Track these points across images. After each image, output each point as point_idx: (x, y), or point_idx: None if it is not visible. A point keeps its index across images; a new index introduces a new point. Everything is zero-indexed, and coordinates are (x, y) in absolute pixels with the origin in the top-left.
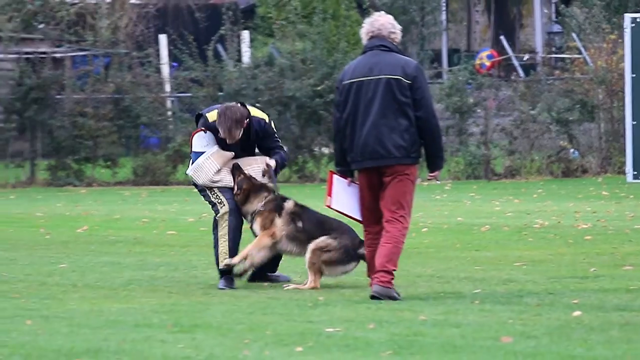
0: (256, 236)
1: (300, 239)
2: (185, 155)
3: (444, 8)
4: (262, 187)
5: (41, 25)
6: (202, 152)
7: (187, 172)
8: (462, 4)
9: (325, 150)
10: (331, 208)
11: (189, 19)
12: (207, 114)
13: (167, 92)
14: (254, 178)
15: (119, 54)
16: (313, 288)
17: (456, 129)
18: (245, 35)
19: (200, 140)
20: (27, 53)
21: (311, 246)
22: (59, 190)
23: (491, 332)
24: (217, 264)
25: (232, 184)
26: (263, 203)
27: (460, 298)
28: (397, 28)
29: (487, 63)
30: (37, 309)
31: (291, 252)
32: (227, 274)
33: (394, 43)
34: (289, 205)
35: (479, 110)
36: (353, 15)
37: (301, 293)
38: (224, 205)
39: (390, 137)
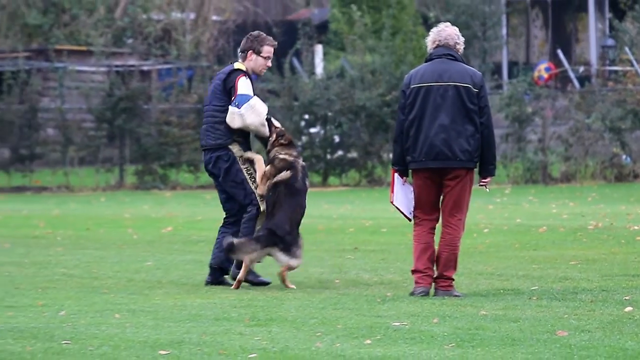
0: None
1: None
2: None
3: (504, 23)
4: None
5: (130, 40)
6: (249, 95)
7: (234, 112)
8: (522, 20)
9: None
10: (393, 204)
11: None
12: (237, 66)
13: None
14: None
15: (201, 66)
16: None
17: (515, 137)
18: (319, 49)
19: (247, 84)
20: (117, 66)
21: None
22: (146, 193)
23: (547, 326)
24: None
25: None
26: (283, 157)
27: (518, 294)
28: (461, 39)
29: (545, 75)
30: (125, 304)
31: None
32: (218, 273)
33: (459, 53)
34: (287, 173)
35: (536, 119)
36: (419, 30)
37: (370, 289)
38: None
39: (458, 141)
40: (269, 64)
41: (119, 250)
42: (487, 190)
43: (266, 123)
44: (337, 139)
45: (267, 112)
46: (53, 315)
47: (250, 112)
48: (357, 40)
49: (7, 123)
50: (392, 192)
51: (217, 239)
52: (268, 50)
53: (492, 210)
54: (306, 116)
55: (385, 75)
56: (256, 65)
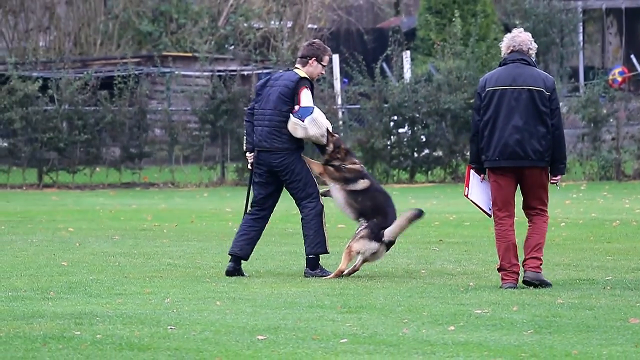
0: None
1: (354, 208)
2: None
3: (580, 30)
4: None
5: (231, 47)
6: (311, 107)
7: (297, 124)
8: (597, 27)
9: None
10: (467, 197)
11: (358, 40)
12: (301, 74)
13: (339, 104)
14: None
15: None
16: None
17: (591, 137)
18: (407, 54)
19: (309, 96)
20: (219, 71)
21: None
22: (245, 188)
23: (620, 314)
24: (323, 244)
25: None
26: (351, 167)
27: (593, 284)
28: (534, 45)
29: (619, 79)
30: (226, 292)
31: (346, 215)
32: (238, 261)
33: (532, 58)
34: (365, 181)
35: (611, 120)
36: (501, 38)
37: (454, 279)
38: (320, 197)
39: (530, 141)
40: (324, 71)
41: (220, 241)
42: (558, 187)
43: (326, 134)
44: (423, 138)
45: (326, 125)
46: (159, 302)
47: (313, 125)
48: (446, 45)
49: (119, 124)
50: (467, 186)
51: (243, 230)
52: (327, 59)
53: (568, 205)
54: (395, 117)
55: (470, 80)
56: (315, 71)
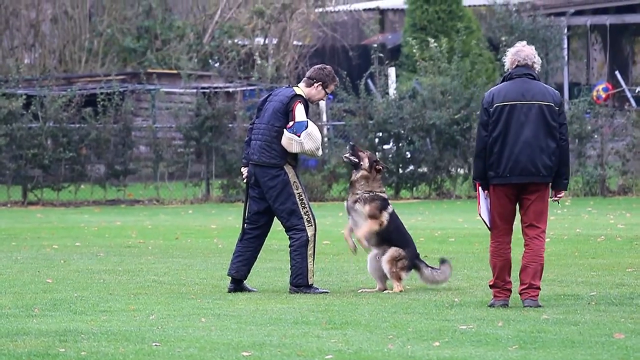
0: (350, 209)
1: (379, 238)
2: (340, 175)
3: (565, 46)
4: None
5: (217, 64)
6: (305, 122)
7: (292, 139)
8: (582, 43)
9: (461, 171)
10: (480, 216)
11: (343, 57)
12: (297, 91)
13: (324, 120)
14: None
15: (281, 87)
16: (400, 291)
17: (575, 152)
18: (392, 71)
19: (303, 111)
20: (203, 88)
21: (386, 257)
22: (230, 205)
23: (605, 330)
24: (305, 276)
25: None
26: (376, 196)
27: (578, 299)
28: (538, 59)
29: (603, 94)
30: (211, 308)
31: (368, 245)
32: (239, 281)
33: (536, 72)
34: (391, 208)
35: (596, 136)
36: (485, 54)
37: (439, 295)
38: (311, 225)
39: (541, 157)
40: (325, 99)
41: (205, 258)
42: (560, 204)
43: (320, 147)
44: (408, 154)
45: (321, 139)
46: (144, 319)
47: (308, 139)
48: (429, 62)
49: (103, 141)
50: (479, 204)
51: (238, 252)
52: (332, 88)
53: (553, 220)
54: (380, 134)
55: (455, 96)
56: (317, 95)
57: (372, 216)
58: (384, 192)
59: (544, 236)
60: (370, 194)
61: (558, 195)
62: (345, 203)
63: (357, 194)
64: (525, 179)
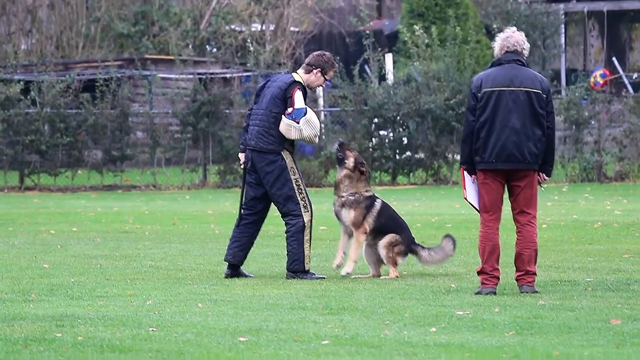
0: (337, 213)
1: (374, 233)
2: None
3: (562, 33)
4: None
5: (214, 50)
6: (304, 109)
7: (291, 125)
8: (579, 30)
9: (458, 157)
10: (466, 200)
11: (340, 43)
12: (296, 78)
13: (321, 106)
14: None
15: (279, 73)
16: (396, 277)
17: (573, 139)
18: (389, 57)
19: (302, 98)
20: (200, 74)
21: (382, 242)
22: (227, 191)
23: (602, 315)
24: (301, 262)
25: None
26: (361, 197)
27: (574, 285)
28: (527, 45)
29: (600, 81)
30: (207, 294)
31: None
32: (235, 267)
33: (525, 58)
34: (377, 204)
35: (593, 122)
36: (482, 40)
37: (435, 280)
38: (308, 211)
39: (527, 144)
40: (324, 85)
41: (202, 244)
42: (543, 189)
43: (318, 134)
44: (405, 140)
45: (319, 125)
46: (141, 304)
47: (307, 126)
48: (423, 49)
49: (100, 127)
50: (464, 188)
51: (235, 237)
52: (331, 75)
53: (550, 207)
54: (375, 119)
55: (449, 82)
56: (316, 82)
57: (355, 224)
58: (369, 191)
59: (535, 222)
60: (356, 195)
61: (541, 182)
62: (333, 208)
63: (342, 196)
64: (511, 165)
